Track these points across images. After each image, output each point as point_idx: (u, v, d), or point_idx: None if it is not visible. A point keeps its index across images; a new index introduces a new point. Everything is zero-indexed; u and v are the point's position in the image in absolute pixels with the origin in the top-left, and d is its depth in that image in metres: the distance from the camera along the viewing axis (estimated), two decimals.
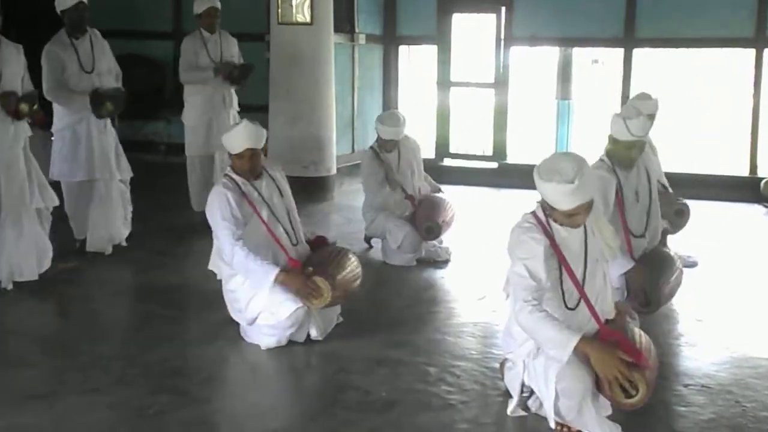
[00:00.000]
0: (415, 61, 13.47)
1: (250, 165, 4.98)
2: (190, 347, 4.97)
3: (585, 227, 4.01)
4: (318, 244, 5.34)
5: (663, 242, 5.66)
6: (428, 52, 11.93)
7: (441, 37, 11.24)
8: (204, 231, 5.29)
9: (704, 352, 5.01)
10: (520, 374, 4.04)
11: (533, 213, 4.01)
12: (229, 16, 8.50)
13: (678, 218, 6.39)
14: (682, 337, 5.27)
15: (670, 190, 6.50)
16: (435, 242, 7.00)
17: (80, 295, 6.14)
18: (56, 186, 6.60)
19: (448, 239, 7.15)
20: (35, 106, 5.96)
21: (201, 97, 7.97)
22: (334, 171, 9.65)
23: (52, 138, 6.85)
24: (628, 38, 10.41)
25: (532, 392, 4.03)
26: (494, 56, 11.02)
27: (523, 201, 8.79)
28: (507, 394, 4.25)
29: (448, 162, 11.34)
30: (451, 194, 7.46)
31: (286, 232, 5.07)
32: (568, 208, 3.83)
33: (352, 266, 5.15)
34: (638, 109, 5.28)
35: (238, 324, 5.09)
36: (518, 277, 3.85)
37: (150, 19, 11.48)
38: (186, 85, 8.10)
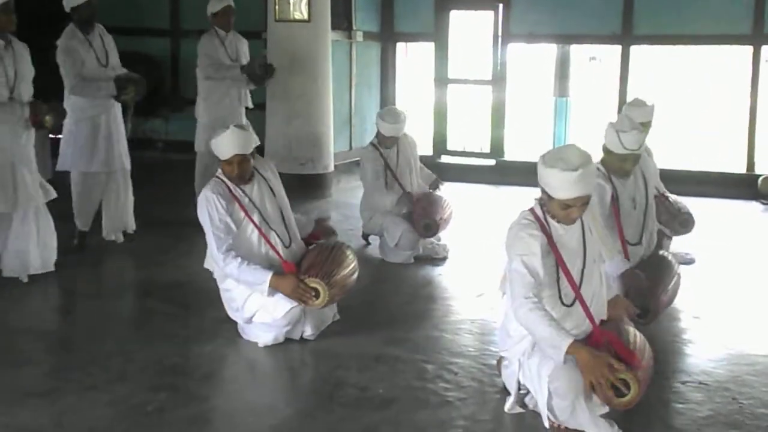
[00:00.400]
0: (413, 58, 13.49)
1: (239, 171, 4.93)
2: (189, 344, 4.97)
3: (582, 226, 4.02)
4: (313, 240, 5.33)
5: (660, 246, 5.65)
6: (426, 49, 11.95)
7: (438, 34, 11.24)
8: (203, 228, 5.29)
9: (702, 350, 5.02)
10: (516, 372, 4.05)
11: (531, 210, 4.01)
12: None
13: (682, 228, 6.38)
14: (680, 334, 5.28)
15: (667, 193, 6.49)
16: (433, 239, 7.00)
17: (79, 292, 6.15)
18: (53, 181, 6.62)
19: (445, 236, 7.16)
20: (58, 121, 6.15)
21: (218, 95, 8.07)
22: (331, 168, 9.65)
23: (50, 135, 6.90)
24: (626, 35, 10.41)
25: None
26: (492, 53, 11.02)
27: (520, 198, 8.80)
28: (504, 391, 4.26)
29: (445, 159, 11.34)
30: (448, 191, 7.46)
31: (279, 236, 5.05)
32: (566, 197, 3.83)
33: (348, 261, 5.13)
34: (633, 121, 5.19)
35: (236, 321, 5.10)
36: (516, 274, 3.85)
37: (148, 17, 11.47)
38: (203, 83, 8.15)
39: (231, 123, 7.79)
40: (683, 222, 6.35)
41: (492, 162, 11.10)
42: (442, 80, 11.34)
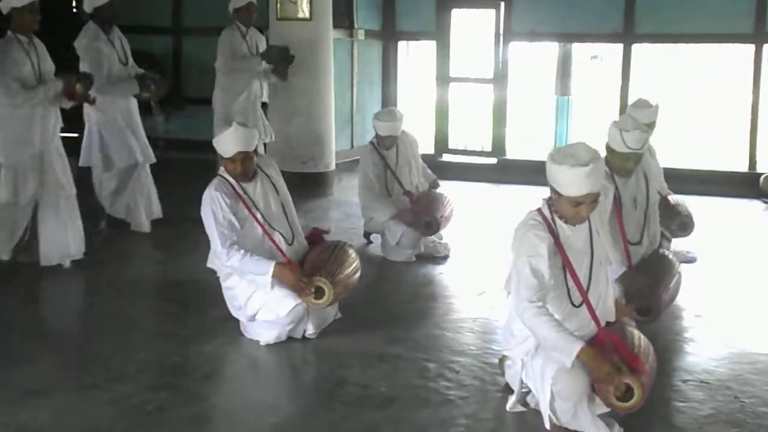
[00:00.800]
0: (414, 56, 13.48)
1: (242, 168, 4.93)
2: (189, 343, 4.96)
3: (590, 227, 4.00)
4: (314, 238, 5.33)
5: (661, 245, 5.64)
6: (427, 47, 11.93)
7: (440, 33, 11.23)
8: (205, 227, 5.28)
9: (703, 348, 5.01)
10: (519, 372, 4.04)
11: (539, 210, 3.98)
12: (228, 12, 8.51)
13: (681, 231, 6.37)
14: (681, 332, 5.28)
15: (670, 194, 6.47)
16: (434, 238, 7.00)
17: (80, 290, 6.16)
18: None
19: (447, 235, 7.15)
20: (89, 92, 6.34)
21: (240, 88, 8.37)
22: (333, 167, 9.64)
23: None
24: (628, 34, 10.39)
25: None
26: (493, 52, 11.01)
27: (522, 197, 8.83)
28: (506, 390, 4.26)
29: (447, 158, 11.32)
30: (450, 190, 7.46)
31: (283, 233, 5.05)
32: (576, 194, 3.80)
33: (351, 259, 5.15)
34: (636, 120, 5.18)
35: (237, 320, 5.10)
36: (521, 275, 3.84)
37: (149, 14, 11.47)
38: (225, 76, 8.40)
39: (248, 117, 8.00)
40: (682, 225, 6.34)
41: (493, 161, 11.09)
42: (443, 79, 11.33)
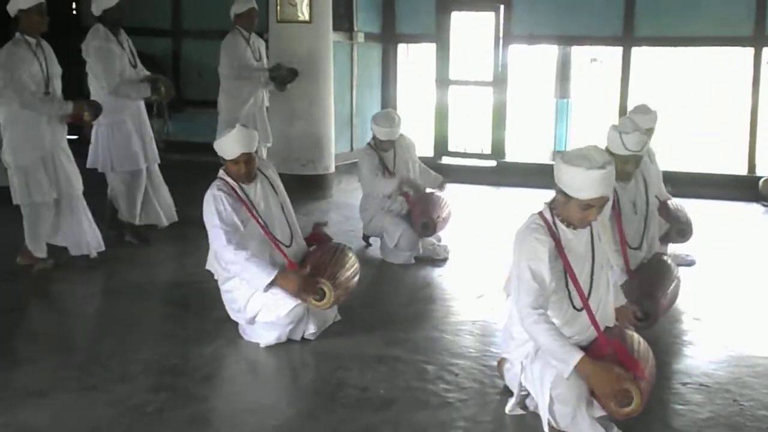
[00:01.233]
0: (414, 59, 13.48)
1: (246, 170, 4.95)
2: (189, 345, 4.96)
3: (591, 231, 4.00)
4: (315, 240, 5.34)
5: (662, 250, 5.65)
6: (427, 50, 11.94)
7: (440, 36, 11.24)
8: (206, 228, 5.28)
9: (702, 351, 5.02)
10: (518, 375, 4.04)
11: (540, 213, 3.97)
12: (228, 14, 8.50)
13: (679, 237, 6.38)
14: (681, 335, 5.28)
15: (670, 198, 6.48)
16: (433, 240, 7.00)
17: (80, 291, 6.15)
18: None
19: (446, 237, 7.16)
20: (95, 116, 6.40)
21: (246, 94, 8.44)
22: (332, 169, 9.65)
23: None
24: (627, 37, 10.41)
25: None
26: (493, 54, 11.02)
27: (521, 199, 8.84)
28: (505, 393, 4.26)
29: (446, 160, 11.33)
30: (449, 192, 7.46)
31: (282, 234, 5.06)
32: (589, 197, 3.78)
33: (350, 262, 5.16)
34: (635, 123, 5.18)
35: (237, 322, 5.10)
36: (522, 280, 3.83)
37: (149, 17, 11.47)
38: (229, 81, 8.45)
39: (257, 122, 8.03)
40: (680, 231, 6.35)
41: (493, 163, 11.09)
42: (443, 81, 11.34)
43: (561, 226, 3.92)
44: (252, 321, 4.96)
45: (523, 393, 4.07)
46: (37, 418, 4.02)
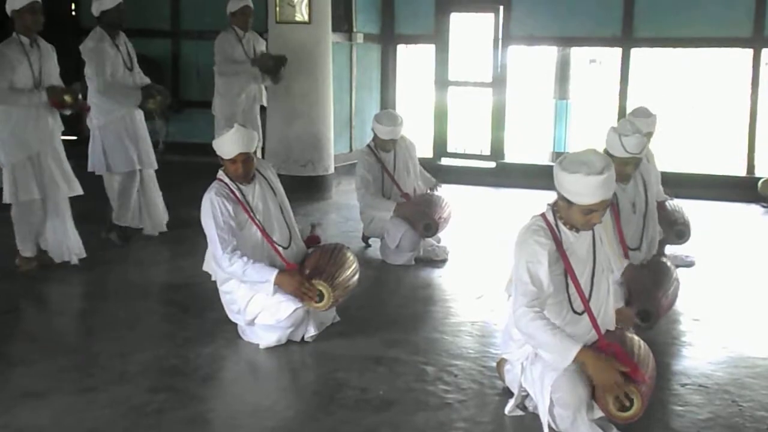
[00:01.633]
0: (413, 60, 13.47)
1: (244, 170, 4.95)
2: (188, 346, 4.96)
3: (593, 234, 3.99)
4: (313, 242, 5.33)
5: (660, 252, 5.65)
6: (426, 51, 11.93)
7: (439, 37, 11.24)
8: (203, 230, 5.28)
9: (701, 352, 5.02)
10: (518, 376, 4.04)
11: (542, 215, 3.96)
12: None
13: (678, 239, 6.38)
14: (680, 336, 5.28)
15: (668, 199, 6.48)
16: (433, 241, 7.00)
17: (79, 292, 6.15)
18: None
19: (446, 238, 7.16)
20: (79, 98, 6.33)
21: (236, 91, 8.37)
22: (332, 170, 9.65)
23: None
24: (626, 38, 10.40)
25: None
26: (492, 56, 11.02)
27: (521, 200, 8.84)
28: (504, 393, 4.26)
29: (445, 161, 11.34)
30: (448, 193, 7.46)
31: (281, 236, 5.06)
32: (590, 202, 3.77)
33: (349, 262, 5.14)
34: (635, 125, 5.17)
35: (236, 323, 5.10)
36: (520, 281, 3.83)
37: (148, 18, 11.47)
38: (220, 79, 8.46)
39: (246, 120, 8.01)
40: (678, 233, 6.35)
41: (492, 164, 11.09)
42: (442, 82, 11.34)
43: (563, 229, 3.91)
44: (251, 323, 4.96)
45: (523, 394, 4.07)
46: (36, 419, 4.02)
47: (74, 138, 7.50)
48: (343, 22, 10.53)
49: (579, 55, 12.93)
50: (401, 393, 4.35)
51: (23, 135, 6.13)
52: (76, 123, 7.20)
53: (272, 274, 4.79)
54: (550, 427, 3.82)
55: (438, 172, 8.25)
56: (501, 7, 10.83)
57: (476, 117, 11.49)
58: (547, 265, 3.80)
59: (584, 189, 3.75)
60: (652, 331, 4.87)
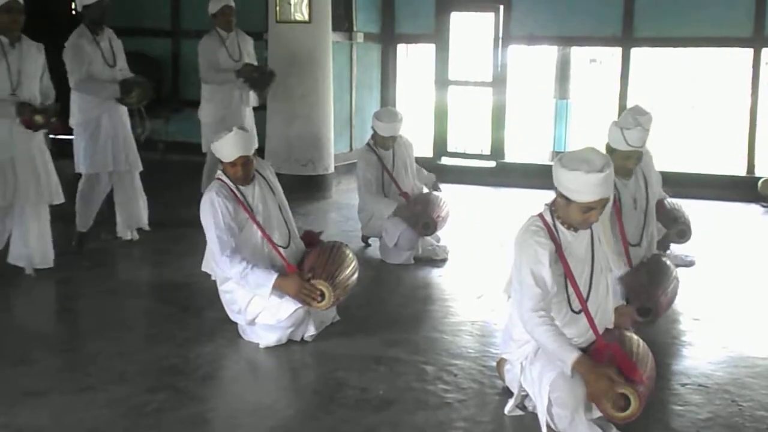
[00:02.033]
0: (414, 59, 13.48)
1: (244, 172, 4.95)
2: (188, 345, 4.96)
3: (591, 234, 3.99)
4: (310, 241, 5.33)
5: (663, 248, 5.66)
6: (426, 50, 11.93)
7: (439, 36, 11.23)
8: (203, 230, 5.29)
9: (701, 352, 5.02)
10: (518, 376, 4.04)
11: (540, 215, 3.96)
12: None
13: (679, 238, 6.38)
14: (679, 336, 5.28)
15: (666, 199, 6.49)
16: (433, 241, 7.00)
17: (79, 292, 6.15)
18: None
19: (445, 238, 7.15)
20: (52, 119, 6.11)
21: (219, 95, 8.10)
22: (332, 169, 9.65)
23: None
24: (627, 37, 10.40)
25: None
26: (492, 55, 11.01)
27: (521, 200, 8.84)
28: (504, 393, 4.26)
29: (445, 161, 11.33)
30: (448, 193, 7.46)
31: (280, 236, 5.06)
32: (589, 200, 3.77)
33: (349, 260, 5.14)
34: (637, 119, 5.20)
35: (236, 322, 5.10)
36: (524, 285, 3.82)
37: (148, 17, 11.48)
38: (205, 85, 8.19)
39: (234, 123, 7.86)
40: (680, 233, 6.35)
41: (492, 164, 11.09)
42: (442, 82, 11.33)
43: (561, 229, 3.91)
44: (252, 323, 4.96)
45: (523, 394, 4.07)
46: (35, 419, 4.02)
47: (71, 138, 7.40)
48: (343, 21, 10.53)
49: (579, 54, 12.94)
50: (401, 392, 4.35)
51: (1, 137, 5.95)
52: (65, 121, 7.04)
53: (270, 280, 4.77)
54: (548, 427, 3.82)
55: (438, 171, 8.23)
56: (501, 7, 10.82)
57: (476, 116, 11.49)
58: (548, 265, 3.80)
59: (584, 187, 3.75)
60: (652, 330, 4.88)
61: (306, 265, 4.98)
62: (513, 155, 11.39)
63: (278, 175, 5.42)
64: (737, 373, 4.65)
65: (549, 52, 12.62)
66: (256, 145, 5.07)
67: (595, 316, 3.95)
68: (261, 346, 4.93)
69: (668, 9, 10.12)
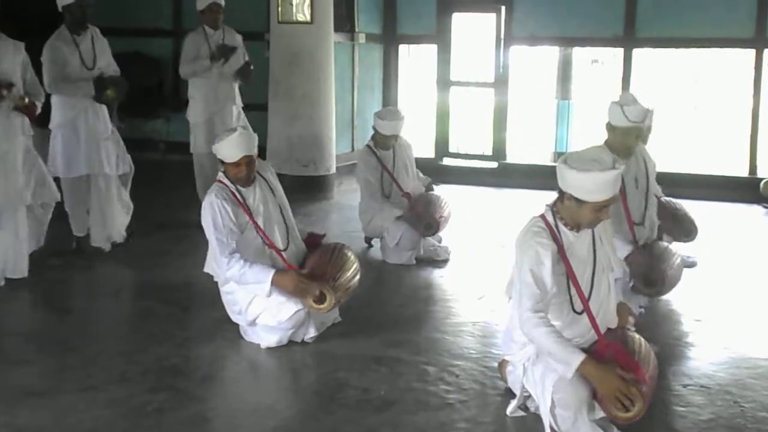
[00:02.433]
0: (415, 60, 13.47)
1: (246, 172, 4.94)
2: (189, 345, 4.96)
3: (593, 234, 3.98)
4: (313, 243, 5.32)
5: (659, 237, 5.71)
6: (428, 51, 11.93)
7: (441, 37, 11.24)
8: (204, 232, 5.28)
9: (703, 353, 5.01)
10: (520, 377, 4.03)
11: (542, 216, 3.95)
12: (229, 15, 8.48)
13: (686, 237, 6.38)
14: (682, 337, 5.27)
15: (662, 197, 6.49)
16: (434, 241, 7.00)
17: (79, 292, 6.15)
18: (58, 182, 6.62)
19: (447, 238, 7.15)
20: (25, 99, 5.91)
21: (203, 94, 7.97)
22: (333, 170, 9.65)
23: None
24: (628, 38, 10.40)
25: None
26: (494, 56, 11.02)
27: (522, 200, 8.83)
28: (506, 394, 4.26)
29: (447, 161, 11.34)
30: (450, 194, 7.46)
31: (281, 237, 5.05)
32: (603, 199, 3.75)
33: (350, 262, 5.13)
34: (635, 96, 5.37)
35: (237, 323, 5.09)
36: (524, 285, 3.82)
37: (149, 17, 11.48)
38: (189, 82, 8.08)
39: (222, 123, 7.81)
40: (686, 231, 6.34)
41: (494, 164, 11.09)
42: (444, 82, 11.34)
43: (563, 229, 3.90)
44: (253, 323, 4.96)
45: (525, 395, 4.06)
46: (36, 419, 4.01)
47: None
48: (345, 22, 10.53)
49: (581, 55, 12.89)
50: (402, 393, 4.34)
51: None
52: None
53: (269, 275, 4.77)
54: (551, 428, 3.82)
55: (440, 172, 8.26)
56: (503, 7, 10.83)
57: (478, 117, 11.48)
58: (550, 266, 3.79)
59: (599, 186, 3.73)
60: (654, 331, 4.87)
61: (307, 267, 4.97)
62: (514, 156, 11.39)
63: (279, 175, 5.42)
64: (739, 374, 4.64)
65: (550, 53, 12.58)
66: (257, 145, 5.04)
67: (597, 316, 3.94)
68: (262, 346, 4.93)
69: (670, 10, 10.12)
